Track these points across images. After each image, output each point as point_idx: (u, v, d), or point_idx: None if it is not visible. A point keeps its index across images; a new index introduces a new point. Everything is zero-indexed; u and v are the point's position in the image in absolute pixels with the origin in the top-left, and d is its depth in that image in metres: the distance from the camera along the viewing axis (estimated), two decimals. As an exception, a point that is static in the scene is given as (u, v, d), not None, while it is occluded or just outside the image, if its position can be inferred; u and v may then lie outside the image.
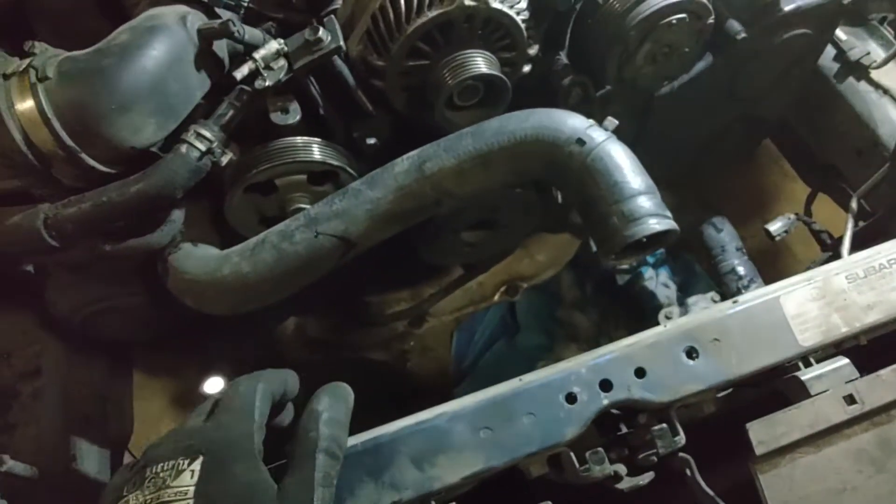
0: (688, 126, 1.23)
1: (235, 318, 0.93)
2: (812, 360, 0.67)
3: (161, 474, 0.48)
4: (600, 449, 0.64)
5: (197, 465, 0.48)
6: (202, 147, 0.80)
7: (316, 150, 0.90)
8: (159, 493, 0.47)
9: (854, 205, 1.09)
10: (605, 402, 0.65)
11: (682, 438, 0.65)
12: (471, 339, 1.90)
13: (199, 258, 0.86)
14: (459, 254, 1.25)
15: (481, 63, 0.85)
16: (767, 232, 1.26)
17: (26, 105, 0.73)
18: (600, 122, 0.78)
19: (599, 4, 0.92)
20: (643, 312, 1.81)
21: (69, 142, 0.74)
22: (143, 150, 0.80)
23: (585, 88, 0.96)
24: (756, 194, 1.84)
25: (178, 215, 0.86)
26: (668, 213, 0.70)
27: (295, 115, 0.84)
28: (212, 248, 0.90)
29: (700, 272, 1.92)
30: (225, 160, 0.83)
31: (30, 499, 0.98)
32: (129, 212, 0.80)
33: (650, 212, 0.69)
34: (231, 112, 0.82)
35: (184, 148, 0.79)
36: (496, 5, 0.82)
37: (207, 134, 0.80)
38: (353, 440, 0.65)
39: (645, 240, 0.69)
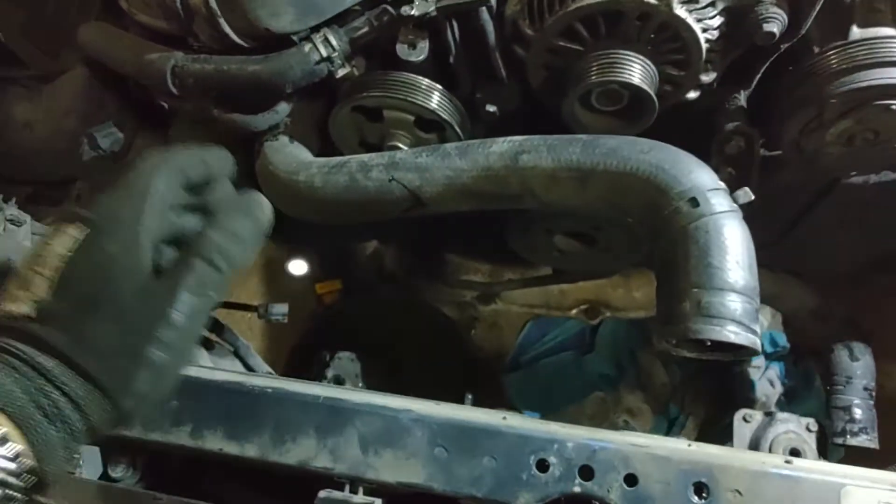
0: (869, 233, 1.00)
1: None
2: (845, 576, 0.53)
3: (51, 235, 0.49)
4: (546, 531, 0.57)
5: (78, 233, 0.48)
6: (324, 52, 0.79)
7: (435, 98, 0.86)
8: (41, 250, 0.48)
9: None
10: (577, 489, 0.57)
11: (642, 570, 0.56)
12: (541, 337, 1.83)
13: (286, 155, 0.88)
14: (546, 256, 1.16)
15: (636, 71, 0.73)
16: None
17: (188, -44, 0.76)
18: (738, 185, 0.65)
19: (813, 53, 0.74)
20: (731, 398, 1.61)
21: (213, 2, 0.77)
22: (280, 36, 0.80)
23: (751, 143, 0.80)
24: (921, 339, 1.50)
25: (283, 108, 0.87)
26: (756, 328, 0.57)
27: (420, 53, 0.79)
28: (304, 150, 0.91)
29: (817, 389, 1.65)
30: (341, 73, 0.81)
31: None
32: (242, 87, 0.82)
33: (733, 316, 0.56)
34: (366, 29, 0.80)
35: (307, 47, 0.78)
36: (680, 12, 0.69)
37: (334, 41, 0.79)
38: (317, 391, 0.64)
39: (710, 343, 0.57)
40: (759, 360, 1.62)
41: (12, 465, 0.42)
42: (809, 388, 1.67)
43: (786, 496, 0.54)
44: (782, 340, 1.63)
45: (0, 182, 1.14)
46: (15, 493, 0.42)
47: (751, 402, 1.60)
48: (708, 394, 1.69)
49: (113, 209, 0.49)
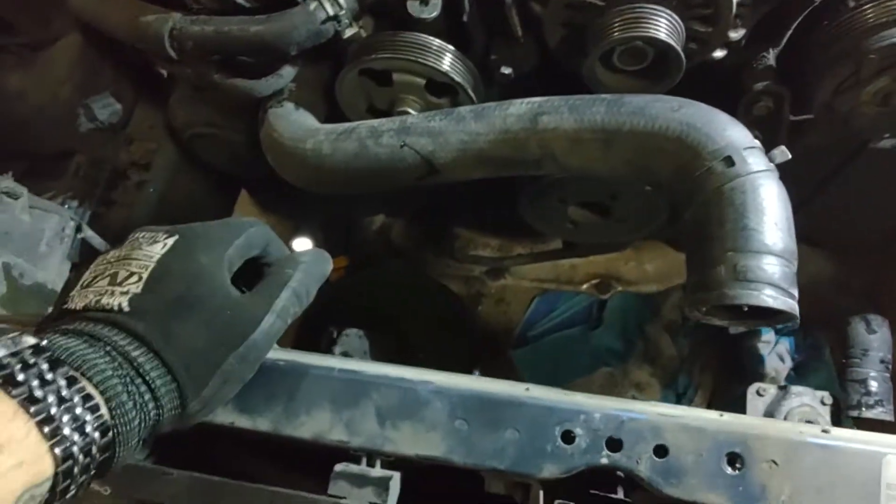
0: (894, 202, 0.97)
1: (329, 194, 0.92)
2: (886, 548, 0.51)
3: (140, 240, 0.54)
4: (571, 503, 0.55)
5: (171, 241, 0.53)
6: (330, 11, 0.75)
7: (447, 59, 0.82)
8: (132, 251, 0.53)
9: None
10: (604, 461, 0.55)
11: (672, 543, 0.54)
12: (549, 312, 1.81)
13: (292, 122, 0.84)
14: (559, 227, 1.13)
15: (662, 26, 0.69)
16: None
17: None
18: (766, 149, 0.61)
19: (849, 7, 0.70)
20: (740, 372, 1.60)
21: (212, -42, 0.73)
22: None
23: (780, 103, 0.77)
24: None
25: (287, 71, 0.83)
26: (795, 292, 0.54)
27: (433, 10, 0.75)
28: (309, 116, 0.87)
29: (828, 362, 1.64)
30: (348, 33, 0.77)
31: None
32: (244, 49, 0.79)
33: (771, 280, 0.53)
34: (373, -16, 0.76)
35: (312, 5, 0.74)
36: (711, -39, 0.65)
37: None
38: (332, 363, 0.61)
39: (746, 308, 0.55)
40: (768, 335, 1.60)
41: (98, 437, 0.43)
42: (819, 362, 1.65)
43: (824, 466, 0.52)
44: (793, 315, 1.60)
45: (-3, 154, 1.11)
46: (92, 466, 0.43)
47: (760, 377, 1.58)
48: (716, 367, 1.68)
49: (206, 229, 0.55)
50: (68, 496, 0.42)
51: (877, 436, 0.54)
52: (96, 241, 1.04)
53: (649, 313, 1.73)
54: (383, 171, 0.78)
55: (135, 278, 0.50)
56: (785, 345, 1.64)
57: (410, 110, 0.84)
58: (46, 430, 0.41)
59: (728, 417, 0.55)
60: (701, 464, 0.53)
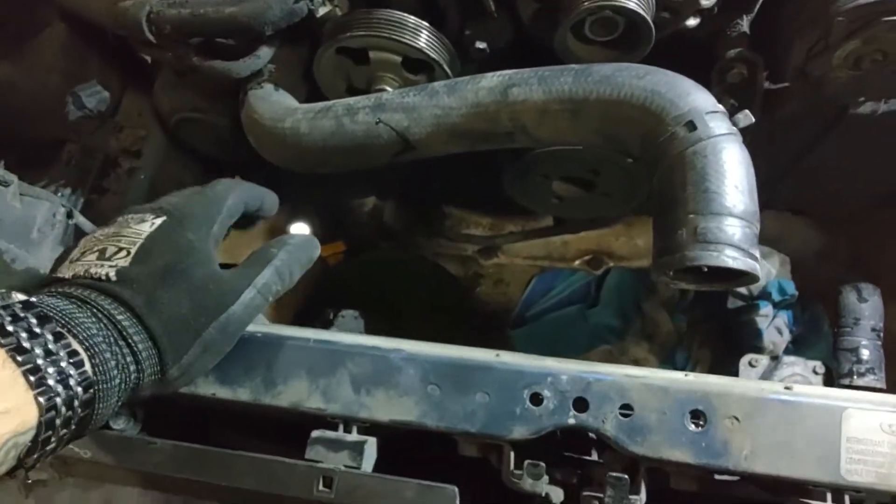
0: (877, 167, 0.97)
1: (318, 178, 0.93)
2: (846, 499, 0.52)
3: (129, 219, 0.57)
4: (542, 463, 0.57)
5: (158, 221, 0.55)
6: (303, -11, 0.75)
7: (423, 36, 0.82)
8: (121, 229, 0.55)
9: None
10: (572, 421, 0.56)
11: (639, 500, 0.55)
12: (547, 292, 1.82)
13: (271, 103, 0.85)
14: (545, 203, 1.13)
15: (632, -6, 0.69)
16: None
17: None
18: (738, 110, 0.62)
19: (818, -31, 0.70)
20: (737, 346, 1.61)
21: (184, -60, 0.73)
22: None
23: (753, 70, 0.77)
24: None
25: (265, 52, 0.84)
26: (756, 253, 0.55)
27: (405, -14, 0.76)
28: (289, 97, 0.88)
29: (826, 334, 1.64)
30: (322, 11, 0.78)
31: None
32: (220, 31, 0.79)
33: (731, 241, 0.54)
34: (346, -38, 0.76)
35: (285, -16, 0.75)
36: (677, -73, 0.65)
37: (313, -23, 0.75)
38: (307, 334, 0.63)
39: (706, 269, 0.56)
40: (766, 309, 1.61)
41: (81, 392, 0.45)
42: (818, 334, 1.65)
43: (785, 421, 0.53)
44: (791, 288, 1.61)
45: (-12, 145, 1.12)
46: (73, 421, 0.45)
47: (758, 351, 1.58)
48: (714, 342, 1.69)
49: (191, 207, 0.58)
50: (48, 448, 0.44)
51: (837, 391, 0.55)
52: (88, 227, 1.06)
53: (646, 290, 1.74)
54: (360, 148, 0.79)
55: (123, 252, 0.53)
56: (783, 318, 1.64)
57: (388, 88, 0.85)
58: (32, 379, 0.42)
59: (692, 377, 0.57)
60: (665, 421, 0.55)
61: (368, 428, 0.60)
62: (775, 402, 0.54)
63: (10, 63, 1.07)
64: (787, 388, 0.55)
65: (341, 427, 0.60)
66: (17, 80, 1.06)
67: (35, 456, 0.43)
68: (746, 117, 0.60)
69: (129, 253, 0.52)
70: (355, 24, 0.81)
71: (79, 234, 1.06)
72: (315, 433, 0.58)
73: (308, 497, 0.55)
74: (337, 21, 0.82)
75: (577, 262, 1.51)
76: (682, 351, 1.73)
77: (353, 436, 0.58)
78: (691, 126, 0.58)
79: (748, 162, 0.58)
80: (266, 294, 0.57)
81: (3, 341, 0.42)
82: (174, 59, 0.86)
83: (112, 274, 0.51)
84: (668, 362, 1.69)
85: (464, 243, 1.50)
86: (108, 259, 0.52)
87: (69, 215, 0.99)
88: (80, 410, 0.45)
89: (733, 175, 0.56)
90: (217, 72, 0.83)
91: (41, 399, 0.42)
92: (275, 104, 0.85)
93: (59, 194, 1.13)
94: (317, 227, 1.70)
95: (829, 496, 0.53)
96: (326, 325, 1.36)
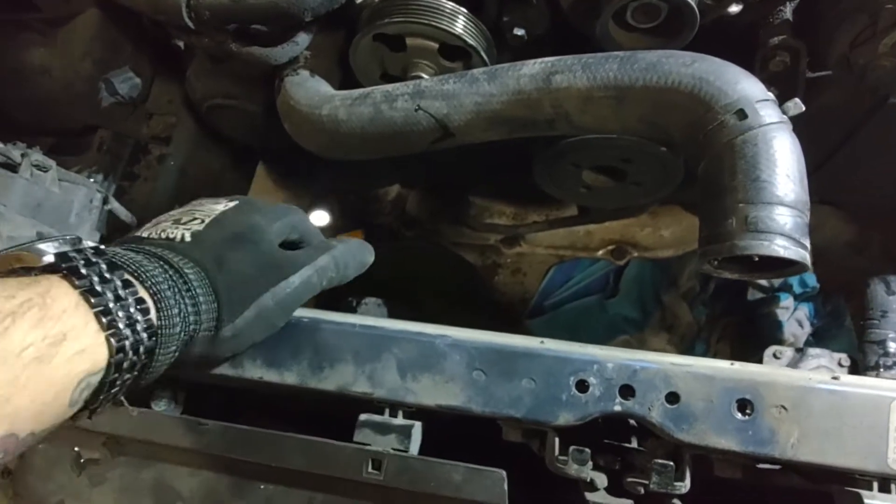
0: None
1: (345, 166, 0.94)
2: (892, 489, 0.52)
3: (203, 202, 0.61)
4: (587, 449, 0.57)
5: (231, 204, 0.60)
6: (343, -25, 0.75)
7: (460, 22, 0.82)
8: (193, 208, 0.59)
9: None
10: (618, 408, 0.56)
11: (684, 487, 0.56)
12: (565, 281, 1.82)
13: (308, 89, 0.85)
14: (574, 192, 1.13)
15: (676, -19, 0.69)
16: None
17: None
18: (782, 101, 0.61)
19: (868, -45, 0.69)
20: (758, 339, 1.60)
21: (226, -74, 0.73)
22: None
23: (796, 58, 0.76)
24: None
25: (303, 38, 0.84)
26: (807, 243, 0.55)
27: (445, -28, 0.75)
28: (325, 84, 0.88)
29: (848, 327, 1.63)
30: (362, -3, 0.78)
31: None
32: (259, 17, 0.80)
33: (782, 230, 0.54)
34: (386, -52, 0.76)
35: (325, -30, 0.75)
36: (726, -89, 0.64)
37: (354, -37, 0.75)
38: (353, 320, 0.63)
39: (758, 259, 0.55)
40: (787, 301, 1.60)
41: (146, 338, 0.47)
42: (839, 328, 1.65)
43: (833, 411, 0.53)
44: (812, 281, 1.60)
45: (24, 131, 1.14)
46: (136, 367, 0.46)
47: (778, 343, 1.58)
48: (734, 333, 1.68)
49: (262, 203, 0.62)
50: (113, 391, 0.45)
51: (885, 382, 0.55)
52: (122, 213, 1.08)
53: (666, 281, 1.73)
54: (398, 135, 0.79)
55: (198, 221, 0.56)
56: (804, 310, 1.64)
57: (424, 75, 0.85)
58: (104, 320, 0.43)
59: (738, 366, 0.57)
60: (711, 410, 0.55)
61: (414, 413, 0.60)
62: (823, 392, 0.54)
63: (45, 50, 1.08)
64: (834, 377, 0.55)
65: (387, 411, 0.60)
66: (51, 67, 1.07)
67: (101, 398, 0.44)
68: (797, 106, 0.59)
69: (203, 221, 0.56)
70: (393, 11, 0.81)
71: (113, 219, 1.07)
72: (363, 416, 0.59)
73: (357, 479, 0.56)
74: (374, 7, 0.82)
75: (600, 252, 1.51)
76: (701, 342, 1.73)
77: (400, 420, 0.59)
78: (742, 114, 0.58)
79: (799, 151, 0.58)
80: (322, 276, 0.60)
81: (78, 283, 0.43)
82: (212, 46, 0.86)
83: (187, 235, 0.54)
84: (687, 354, 1.69)
85: (487, 232, 1.50)
86: (185, 225, 0.56)
87: (105, 201, 1.01)
88: (143, 356, 0.47)
89: (784, 164, 0.56)
90: (255, 58, 0.84)
91: (112, 340, 0.43)
92: (311, 91, 0.85)
93: (92, 180, 1.15)
94: (337, 216, 1.71)
95: (875, 485, 0.53)
96: (349, 312, 1.37)
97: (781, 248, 0.53)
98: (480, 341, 0.60)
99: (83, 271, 0.44)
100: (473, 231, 1.52)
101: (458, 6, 0.81)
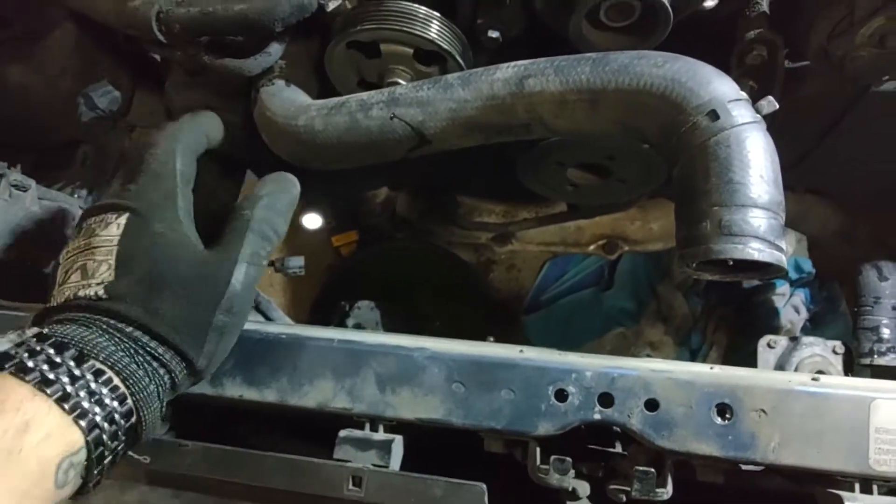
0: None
1: (332, 171, 0.93)
2: (874, 489, 0.52)
3: (93, 226, 0.54)
4: (568, 459, 0.57)
5: (122, 220, 0.53)
6: (312, -16, 0.74)
7: (434, 27, 0.81)
8: (91, 239, 0.53)
9: None
10: (597, 416, 0.56)
11: (666, 493, 0.56)
12: (560, 276, 1.81)
13: (283, 99, 0.84)
14: (560, 190, 1.13)
15: (648, -22, 0.68)
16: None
17: None
18: (760, 95, 0.60)
19: (841, -56, 0.68)
20: (754, 327, 1.60)
21: (191, -62, 0.73)
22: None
23: (774, 51, 0.75)
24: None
25: (275, 48, 0.83)
26: (781, 244, 0.54)
27: (415, -23, 0.74)
28: (301, 94, 0.87)
29: (843, 312, 1.63)
30: (332, 6, 0.77)
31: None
32: (230, 28, 0.79)
33: (756, 233, 0.53)
34: (355, -46, 0.75)
35: (294, -20, 0.74)
36: None
37: (322, -29, 0.74)
38: (331, 334, 0.63)
39: (731, 262, 0.55)
40: (783, 287, 1.59)
41: (118, 405, 0.46)
42: (835, 313, 1.64)
43: (813, 413, 0.53)
44: (808, 266, 1.59)
45: (5, 149, 1.13)
46: (121, 434, 0.46)
47: (775, 330, 1.58)
48: (730, 322, 1.68)
49: (148, 194, 0.54)
50: (106, 461, 0.45)
51: (865, 381, 0.54)
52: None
53: (660, 273, 1.72)
54: (375, 144, 0.78)
55: (104, 266, 0.51)
56: (800, 296, 1.63)
57: (400, 81, 0.84)
58: (66, 406, 0.43)
59: (717, 370, 0.56)
60: (691, 415, 0.55)
61: (394, 426, 0.60)
62: (802, 394, 0.54)
63: (21, 66, 1.07)
64: (814, 379, 0.55)
65: (367, 426, 0.60)
66: (29, 84, 1.07)
67: (96, 471, 0.45)
68: (770, 104, 0.58)
69: (109, 266, 0.51)
70: (365, 17, 0.80)
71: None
72: (343, 433, 0.59)
73: (338, 496, 0.56)
74: (347, 15, 0.81)
75: (591, 247, 1.51)
76: (697, 333, 1.72)
77: (380, 434, 0.59)
78: (714, 115, 0.57)
79: (773, 150, 0.57)
80: (258, 262, 0.55)
81: (27, 377, 0.43)
82: (184, 59, 0.85)
83: (101, 292, 0.50)
84: (683, 345, 1.69)
85: (478, 231, 1.50)
86: (93, 276, 0.51)
87: (87, 217, 1.00)
88: (123, 423, 0.46)
89: (758, 165, 0.55)
90: (228, 70, 0.83)
91: (81, 422, 0.43)
92: (287, 101, 0.84)
93: (77, 195, 1.14)
94: (330, 218, 1.70)
95: (857, 486, 0.52)
96: (343, 316, 1.37)
97: (756, 251, 0.53)
98: (459, 353, 0.60)
99: (30, 364, 0.43)
100: (464, 230, 1.52)
101: (431, 11, 0.80)
